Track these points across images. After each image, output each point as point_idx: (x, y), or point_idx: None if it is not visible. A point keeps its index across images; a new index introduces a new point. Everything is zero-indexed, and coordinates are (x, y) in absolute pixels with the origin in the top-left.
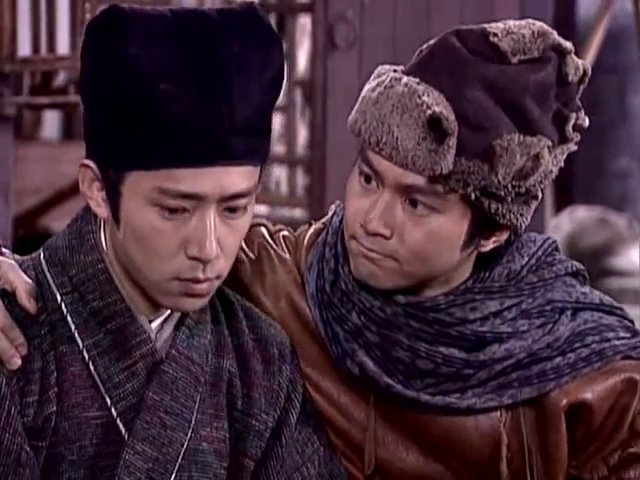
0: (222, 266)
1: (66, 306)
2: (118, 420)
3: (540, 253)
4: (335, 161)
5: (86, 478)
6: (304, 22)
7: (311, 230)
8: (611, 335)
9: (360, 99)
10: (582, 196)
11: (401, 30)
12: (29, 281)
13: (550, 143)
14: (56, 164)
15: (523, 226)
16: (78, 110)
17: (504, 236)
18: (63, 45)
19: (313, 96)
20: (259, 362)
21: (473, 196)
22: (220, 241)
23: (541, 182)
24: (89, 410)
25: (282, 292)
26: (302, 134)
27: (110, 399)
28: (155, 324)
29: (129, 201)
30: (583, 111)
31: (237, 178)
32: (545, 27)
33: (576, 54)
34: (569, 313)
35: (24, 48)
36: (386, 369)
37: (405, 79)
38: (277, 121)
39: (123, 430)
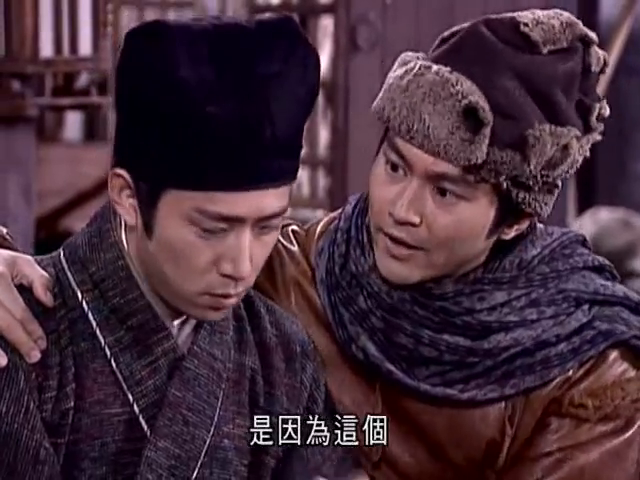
0: (251, 279)
1: (87, 303)
2: (140, 417)
3: (555, 245)
4: (356, 162)
5: (108, 475)
6: (326, 23)
7: (325, 219)
8: (623, 327)
9: (386, 86)
10: (604, 198)
11: (423, 31)
12: (45, 274)
13: (579, 133)
14: (78, 165)
15: (546, 214)
16: (100, 111)
17: (525, 224)
18: (85, 46)
19: (335, 97)
20: (281, 359)
21: (505, 185)
22: (252, 258)
23: (567, 172)
24: (111, 407)
25: (291, 284)
26: (324, 135)
27: (132, 396)
28: (177, 322)
29: (166, 217)
30: (605, 101)
31: (273, 199)
32: (572, 18)
33: None
34: (586, 307)
35: (46, 49)
36: (388, 355)
37: (435, 67)
38: None
39: (145, 427)
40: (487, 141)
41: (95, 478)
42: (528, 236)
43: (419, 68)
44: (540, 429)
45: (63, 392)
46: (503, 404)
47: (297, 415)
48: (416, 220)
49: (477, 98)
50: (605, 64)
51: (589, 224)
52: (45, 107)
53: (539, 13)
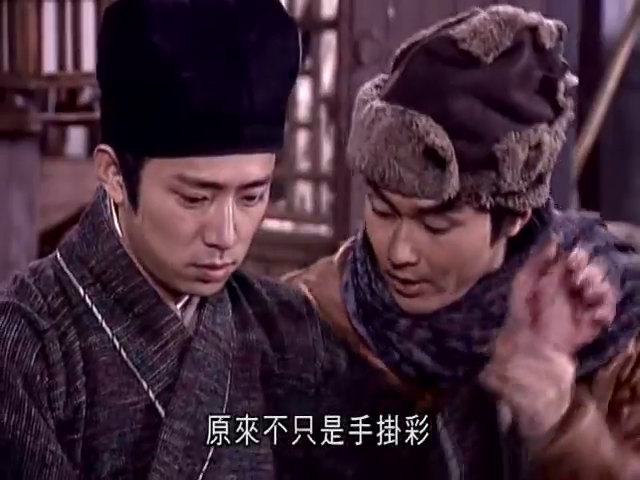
0: (238, 251)
1: (90, 298)
2: (157, 403)
3: (577, 230)
4: (360, 177)
5: (128, 464)
6: (329, 39)
7: (339, 251)
8: None
9: (352, 133)
10: (608, 213)
11: None
12: None
13: (546, 126)
14: (82, 180)
15: (543, 203)
16: None
17: (528, 215)
18: (89, 62)
19: (338, 113)
20: (289, 322)
21: (488, 204)
22: (237, 228)
23: (549, 162)
24: (126, 397)
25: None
26: (327, 150)
27: (146, 382)
28: (179, 304)
29: (148, 187)
30: (569, 72)
31: (255, 166)
32: (509, 12)
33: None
34: (619, 284)
35: (50, 65)
36: (443, 362)
37: (389, 109)
38: (302, 137)
39: (163, 412)
40: (456, 172)
41: (115, 469)
42: (550, 225)
43: (375, 112)
44: (613, 418)
45: (73, 387)
46: None
47: (316, 372)
48: (413, 259)
49: (433, 137)
50: (561, 32)
51: None
52: (49, 122)
53: (475, 21)
